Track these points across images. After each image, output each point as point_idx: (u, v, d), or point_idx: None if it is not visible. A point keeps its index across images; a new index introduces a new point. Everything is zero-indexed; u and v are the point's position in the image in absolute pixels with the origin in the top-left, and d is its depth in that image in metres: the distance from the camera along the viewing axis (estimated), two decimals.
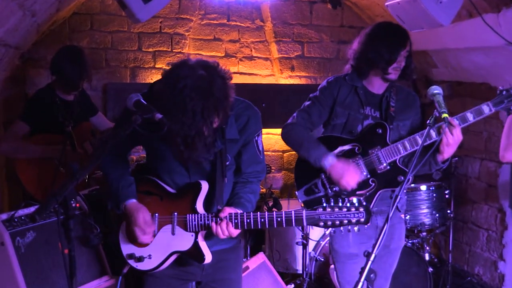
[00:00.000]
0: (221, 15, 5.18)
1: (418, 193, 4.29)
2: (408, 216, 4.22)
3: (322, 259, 4.14)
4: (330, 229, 2.25)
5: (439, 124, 2.63)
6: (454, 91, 4.85)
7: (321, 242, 4.14)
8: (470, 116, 2.71)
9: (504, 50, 3.71)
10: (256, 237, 4.64)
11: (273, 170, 5.22)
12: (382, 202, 2.90)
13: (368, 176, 2.86)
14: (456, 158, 4.47)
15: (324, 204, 2.18)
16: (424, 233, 4.34)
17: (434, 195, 4.31)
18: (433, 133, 2.70)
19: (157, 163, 2.41)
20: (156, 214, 2.37)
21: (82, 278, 2.74)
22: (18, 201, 3.97)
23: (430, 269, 4.04)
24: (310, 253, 4.13)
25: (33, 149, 3.64)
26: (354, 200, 2.18)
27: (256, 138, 2.43)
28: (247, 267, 3.49)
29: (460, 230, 4.93)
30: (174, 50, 5.07)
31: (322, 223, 2.18)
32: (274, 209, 3.99)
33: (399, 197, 2.14)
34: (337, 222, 2.17)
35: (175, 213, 2.34)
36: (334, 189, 2.88)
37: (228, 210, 2.28)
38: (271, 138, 5.33)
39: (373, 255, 1.97)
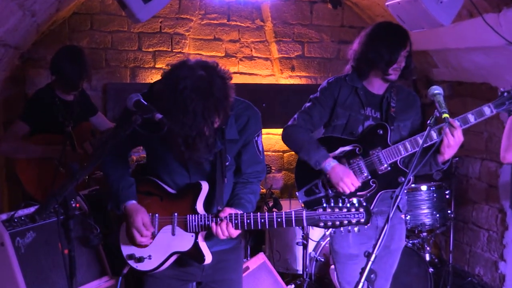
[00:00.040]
0: (221, 15, 5.18)
1: (418, 193, 4.29)
2: (409, 217, 4.21)
3: (323, 260, 4.13)
4: (330, 229, 2.24)
5: (440, 125, 2.62)
6: (455, 91, 4.84)
7: (322, 242, 4.14)
8: (471, 118, 2.71)
9: (504, 50, 3.71)
10: (256, 238, 4.63)
11: (273, 170, 5.21)
12: (383, 203, 2.90)
13: (369, 177, 2.86)
14: (457, 159, 4.46)
15: (324, 205, 2.18)
16: (425, 234, 4.34)
17: (435, 195, 4.31)
18: (434, 134, 2.70)
19: (157, 163, 2.41)
20: (156, 215, 2.37)
21: (82, 279, 2.73)
22: (18, 201, 3.97)
23: (431, 270, 4.03)
24: (310, 253, 4.13)
25: (33, 149, 3.64)
26: (354, 200, 2.18)
27: (256, 138, 2.42)
28: (247, 268, 3.48)
29: (460, 231, 4.92)
30: (174, 50, 5.06)
31: (322, 224, 2.18)
32: (274, 210, 3.99)
33: (399, 197, 2.13)
34: (337, 223, 2.17)
35: (175, 214, 2.33)
36: (334, 189, 2.88)
37: (228, 211, 2.27)
38: (271, 138, 5.33)
39: (373, 256, 1.96)
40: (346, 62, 3.08)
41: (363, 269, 1.96)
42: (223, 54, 5.22)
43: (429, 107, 3.84)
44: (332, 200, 2.19)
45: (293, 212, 2.21)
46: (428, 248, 4.41)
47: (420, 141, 2.75)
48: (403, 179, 2.78)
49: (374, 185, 2.85)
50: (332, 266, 3.90)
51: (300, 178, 3.02)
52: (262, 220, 2.23)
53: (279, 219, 2.22)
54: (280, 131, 3.08)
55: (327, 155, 2.83)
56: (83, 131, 3.85)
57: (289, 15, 5.25)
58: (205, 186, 2.33)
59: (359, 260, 2.69)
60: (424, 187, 4.28)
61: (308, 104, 3.05)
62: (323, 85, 3.05)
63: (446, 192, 4.41)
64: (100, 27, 4.87)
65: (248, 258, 3.89)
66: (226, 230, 2.24)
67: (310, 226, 3.89)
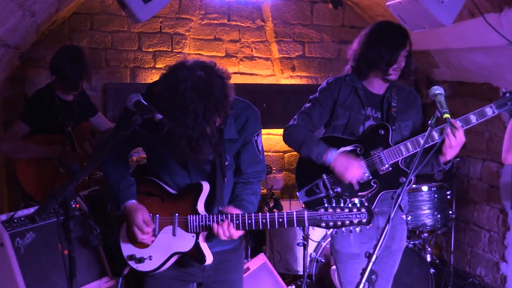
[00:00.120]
0: (222, 15, 5.17)
1: (419, 194, 4.28)
2: (410, 217, 4.21)
3: (323, 260, 4.13)
4: (331, 230, 2.24)
5: (442, 126, 2.61)
6: (456, 91, 4.84)
7: (322, 243, 4.14)
8: (473, 118, 2.70)
9: (506, 50, 3.70)
10: (256, 238, 4.62)
11: (274, 171, 5.20)
12: (384, 203, 2.89)
13: (370, 177, 2.85)
14: (458, 159, 4.45)
15: (326, 205, 2.17)
16: (426, 234, 4.33)
17: (436, 195, 4.30)
18: (435, 135, 2.69)
19: (157, 164, 2.40)
20: (157, 215, 2.36)
21: (82, 279, 2.72)
22: (17, 202, 3.96)
23: (432, 270, 4.03)
24: (310, 254, 4.12)
25: (33, 149, 3.63)
26: (356, 200, 2.17)
27: (256, 138, 2.42)
28: (248, 268, 3.48)
29: (461, 231, 4.91)
30: (174, 50, 5.06)
31: (324, 224, 2.17)
32: (275, 210, 3.98)
33: (400, 197, 2.12)
34: (339, 223, 2.16)
35: (176, 214, 2.32)
36: (335, 190, 2.87)
37: (230, 210, 2.27)
38: (272, 139, 5.32)
39: (374, 256, 1.95)
40: (346, 62, 3.08)
41: (364, 270, 1.95)
42: (224, 54, 5.21)
43: (430, 107, 3.84)
44: (334, 200, 2.18)
45: (294, 213, 2.20)
46: (429, 249, 4.41)
47: (422, 142, 2.74)
48: (404, 179, 2.78)
49: (375, 185, 2.84)
50: (333, 267, 3.90)
51: (301, 178, 3.01)
52: (264, 221, 2.22)
53: (280, 219, 2.21)
54: (280, 131, 3.07)
55: (328, 147, 2.83)
56: (83, 131, 3.84)
57: (290, 15, 5.24)
58: (206, 187, 2.33)
59: (360, 260, 2.68)
60: (425, 188, 4.27)
61: (307, 105, 3.05)
62: (323, 85, 3.05)
63: (447, 193, 4.40)
64: (100, 27, 4.86)
65: (249, 259, 3.88)
66: (227, 231, 2.23)
67: (310, 227, 3.89)
